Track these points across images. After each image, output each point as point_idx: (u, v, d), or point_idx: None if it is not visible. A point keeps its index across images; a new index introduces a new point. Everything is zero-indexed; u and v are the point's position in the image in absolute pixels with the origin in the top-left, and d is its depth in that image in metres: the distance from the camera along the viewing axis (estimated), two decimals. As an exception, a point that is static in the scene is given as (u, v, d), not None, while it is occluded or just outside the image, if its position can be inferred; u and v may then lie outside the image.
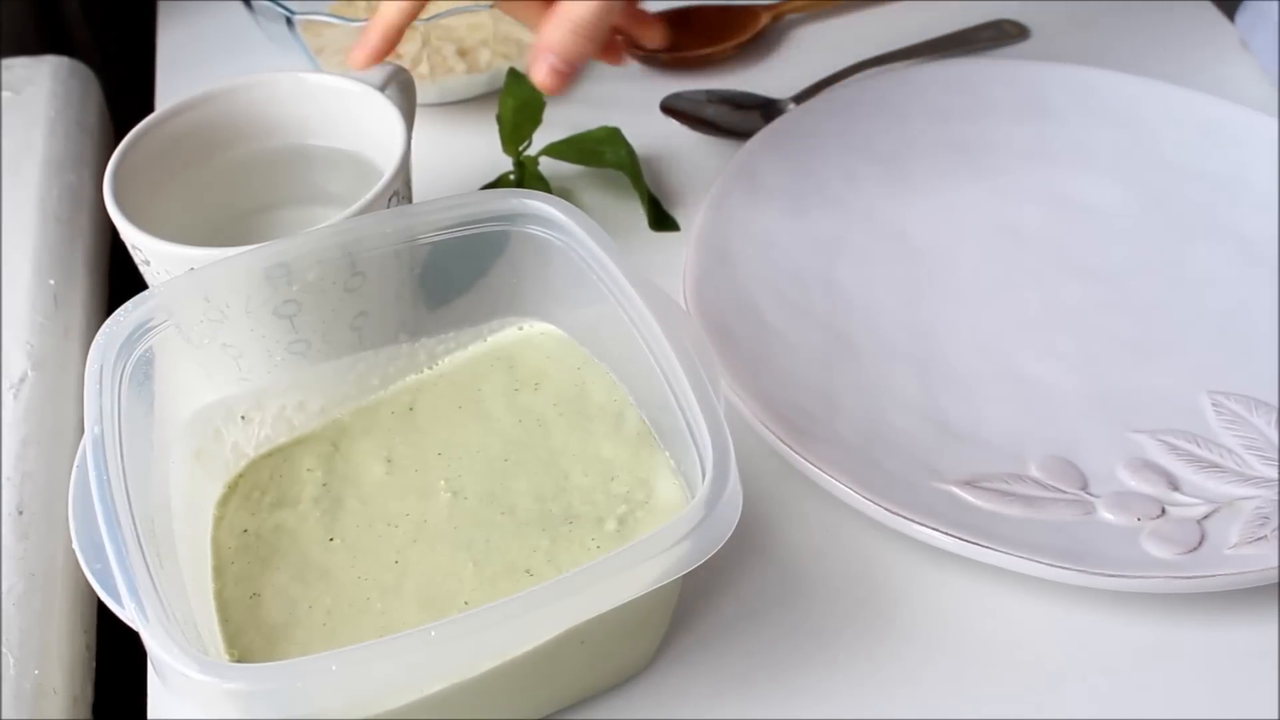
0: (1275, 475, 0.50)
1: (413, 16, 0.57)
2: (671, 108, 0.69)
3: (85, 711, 0.50)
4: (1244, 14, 0.73)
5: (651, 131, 0.68)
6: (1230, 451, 0.51)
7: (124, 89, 0.81)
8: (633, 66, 0.73)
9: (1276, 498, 0.49)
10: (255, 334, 0.46)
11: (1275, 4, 0.69)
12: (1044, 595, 0.47)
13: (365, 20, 0.64)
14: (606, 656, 0.43)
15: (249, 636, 0.41)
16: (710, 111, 0.69)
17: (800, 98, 0.70)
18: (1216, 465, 0.51)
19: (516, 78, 0.64)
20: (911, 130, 0.66)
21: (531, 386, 0.48)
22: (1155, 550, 0.47)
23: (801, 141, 0.65)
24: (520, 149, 0.64)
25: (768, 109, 0.69)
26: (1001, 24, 0.76)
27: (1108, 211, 0.62)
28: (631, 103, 0.71)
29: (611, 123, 0.65)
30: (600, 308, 0.46)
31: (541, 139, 0.64)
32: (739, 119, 0.68)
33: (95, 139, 0.73)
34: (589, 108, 0.70)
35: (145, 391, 0.43)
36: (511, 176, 0.64)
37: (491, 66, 0.68)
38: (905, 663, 0.46)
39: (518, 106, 0.63)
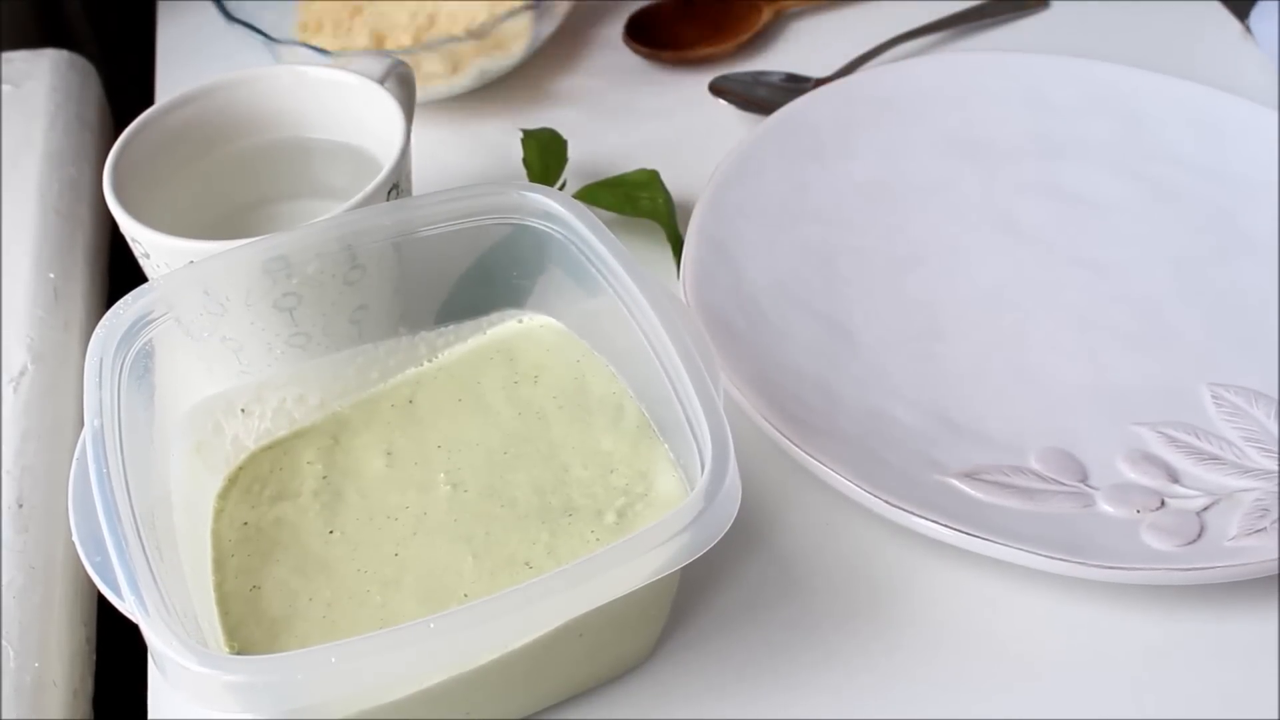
0: (1275, 467, 0.50)
1: None
2: (722, 89, 0.69)
3: (85, 705, 0.50)
4: (1259, 9, 0.73)
5: (657, 134, 0.69)
6: (1230, 443, 0.51)
7: (124, 83, 0.81)
8: (635, 66, 0.73)
9: (1276, 490, 0.49)
10: (255, 327, 0.46)
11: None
12: (1043, 587, 0.47)
13: (339, 53, 0.64)
14: (606, 649, 0.43)
15: (249, 629, 0.41)
16: (761, 92, 0.69)
17: (839, 74, 0.71)
18: (1216, 457, 0.51)
19: (527, 132, 0.63)
20: (911, 123, 0.66)
21: (531, 379, 0.49)
22: (1155, 542, 0.47)
23: (800, 134, 0.65)
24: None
25: (817, 88, 0.69)
26: None
27: (1107, 204, 0.62)
28: (636, 105, 0.71)
29: (619, 130, 0.65)
30: (600, 301, 0.46)
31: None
32: (789, 99, 0.67)
33: (95, 133, 0.73)
34: (600, 117, 0.70)
35: (145, 385, 0.43)
36: None
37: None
38: (905, 655, 0.46)
39: (541, 149, 0.63)
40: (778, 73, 0.71)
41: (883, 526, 0.49)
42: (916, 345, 0.56)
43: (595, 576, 0.37)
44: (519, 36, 0.69)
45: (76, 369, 0.59)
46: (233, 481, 0.46)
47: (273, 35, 0.66)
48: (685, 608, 0.47)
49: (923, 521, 0.47)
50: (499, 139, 0.64)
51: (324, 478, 0.46)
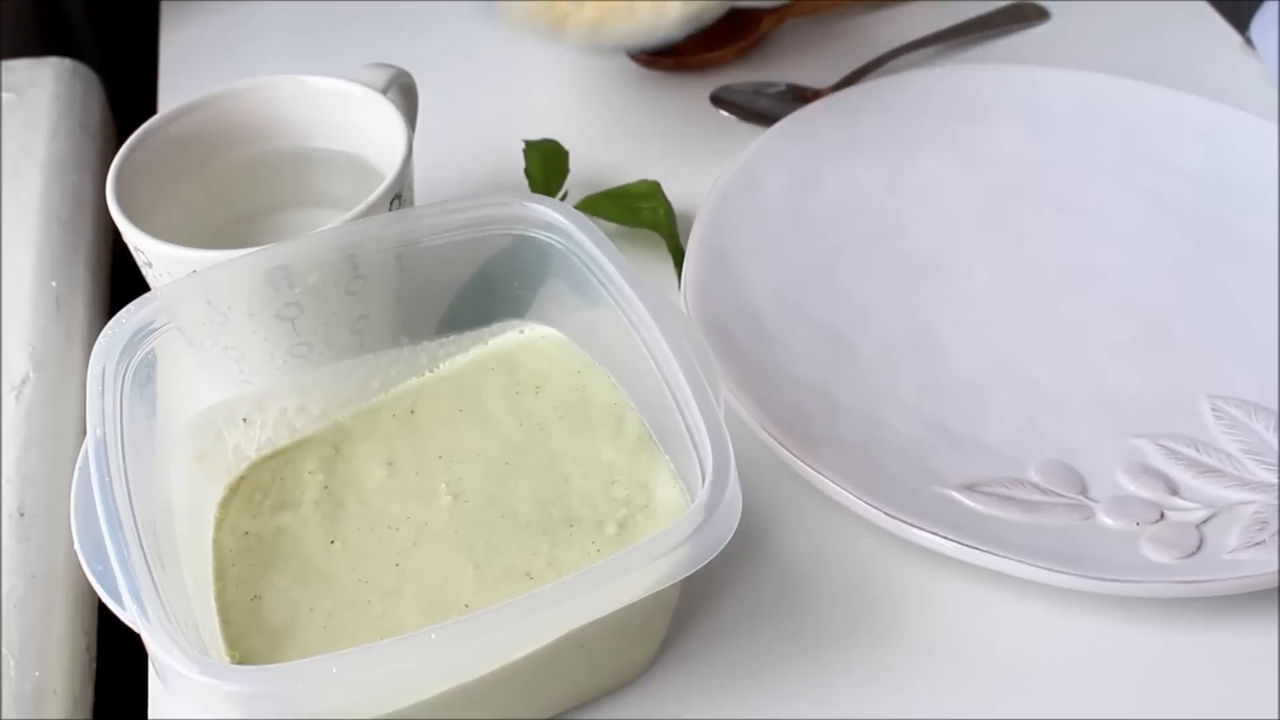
0: (1274, 480, 0.50)
1: None
2: (723, 100, 0.70)
3: (86, 713, 0.50)
4: (1258, 21, 0.73)
5: (659, 145, 0.69)
6: (1229, 456, 0.51)
7: (127, 91, 0.81)
8: (637, 77, 0.73)
9: (1275, 502, 0.49)
10: (257, 337, 0.46)
11: None
12: (1043, 600, 0.47)
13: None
14: (606, 660, 0.43)
15: (250, 639, 0.42)
16: (763, 103, 0.69)
17: (840, 85, 0.71)
18: (1215, 470, 0.51)
19: (529, 143, 0.64)
20: (912, 134, 0.66)
21: (532, 390, 0.49)
22: (1154, 555, 0.47)
23: (802, 145, 0.65)
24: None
25: (817, 99, 0.69)
26: (1021, 7, 0.76)
27: (1107, 215, 0.62)
28: (637, 117, 0.71)
29: (620, 141, 0.66)
30: (601, 311, 0.46)
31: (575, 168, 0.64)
32: (791, 110, 0.67)
33: (98, 141, 0.73)
34: (602, 128, 0.70)
35: (147, 394, 0.43)
36: None
37: None
38: (904, 667, 0.46)
39: (543, 160, 0.63)
40: (779, 83, 0.71)
41: (882, 537, 0.49)
42: (917, 356, 0.56)
43: (596, 588, 0.37)
44: None
45: (78, 377, 0.59)
46: (234, 491, 0.46)
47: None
48: (686, 618, 0.47)
49: (922, 533, 0.47)
50: (501, 150, 0.65)
51: (325, 487, 0.46)
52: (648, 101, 0.72)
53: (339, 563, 0.44)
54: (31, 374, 0.57)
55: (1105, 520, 0.49)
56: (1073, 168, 0.65)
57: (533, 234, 0.48)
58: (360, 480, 0.46)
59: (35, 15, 0.86)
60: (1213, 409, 0.53)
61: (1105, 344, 0.56)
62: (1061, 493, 0.50)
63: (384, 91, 0.56)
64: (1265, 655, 0.46)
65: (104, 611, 0.47)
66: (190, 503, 0.44)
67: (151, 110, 0.69)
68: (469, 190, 0.65)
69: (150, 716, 0.45)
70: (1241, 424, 0.52)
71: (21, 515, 0.52)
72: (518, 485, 0.46)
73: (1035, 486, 0.50)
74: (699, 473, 0.40)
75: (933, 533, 0.47)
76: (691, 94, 0.72)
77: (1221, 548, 0.47)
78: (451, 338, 0.50)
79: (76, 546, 0.40)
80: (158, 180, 0.53)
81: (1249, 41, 0.74)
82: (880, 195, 0.64)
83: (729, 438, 0.40)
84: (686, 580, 0.39)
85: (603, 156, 0.67)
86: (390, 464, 0.47)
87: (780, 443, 0.50)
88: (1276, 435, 0.52)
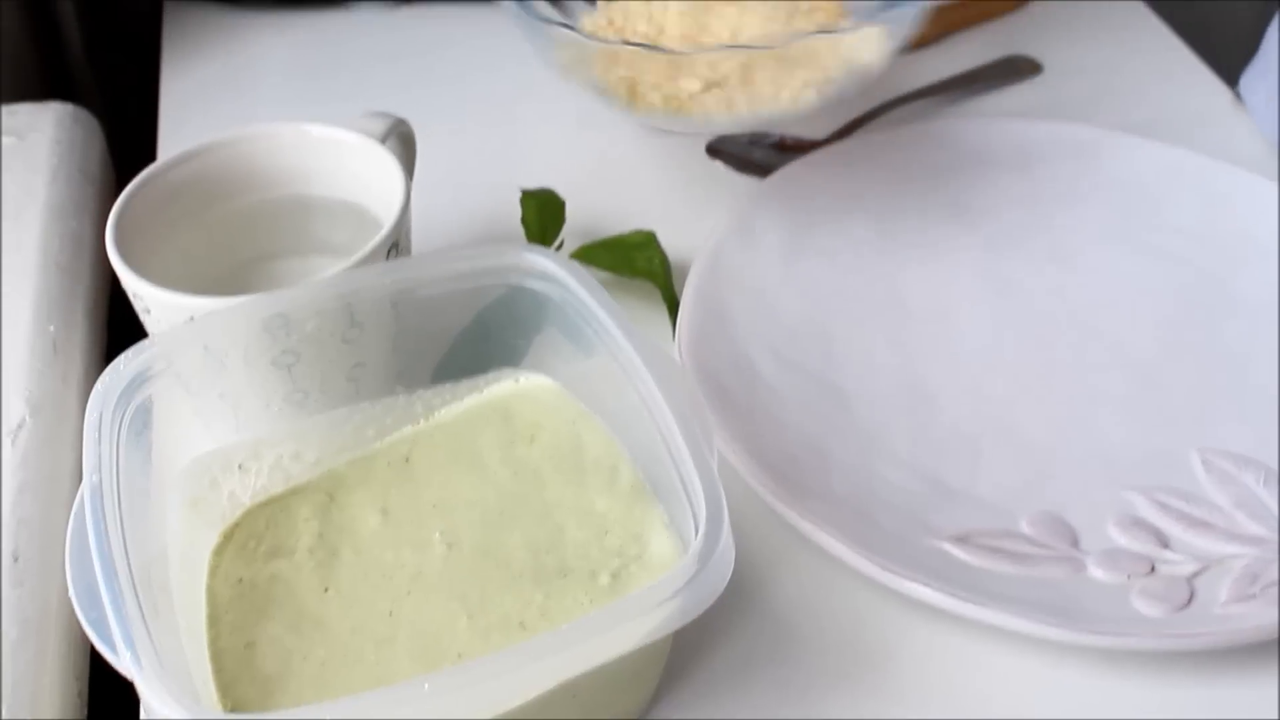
0: (1264, 533, 0.50)
1: None
2: (719, 151, 0.70)
3: (76, 760, 0.50)
4: (1248, 76, 0.74)
5: (655, 195, 0.69)
6: (1220, 509, 0.51)
7: (127, 136, 0.81)
8: (633, 127, 0.74)
9: (1266, 555, 0.49)
10: (253, 384, 0.46)
11: (1276, 69, 0.70)
12: (1035, 652, 0.47)
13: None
14: (599, 710, 0.43)
15: (243, 687, 0.41)
16: (758, 155, 0.69)
17: (835, 137, 0.71)
18: (1206, 523, 0.51)
19: (526, 192, 0.64)
20: (908, 187, 0.67)
21: (527, 439, 0.49)
22: (1145, 608, 0.47)
23: (797, 197, 0.65)
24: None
25: (813, 151, 0.69)
26: (1014, 61, 0.77)
27: (1099, 269, 0.63)
28: (633, 167, 0.72)
29: (616, 191, 0.66)
30: (596, 361, 0.46)
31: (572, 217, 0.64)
32: (786, 162, 0.67)
33: (98, 186, 0.73)
34: (598, 178, 0.71)
35: (144, 440, 0.43)
36: None
37: None
38: (896, 718, 0.46)
39: (540, 208, 0.63)
40: (773, 135, 0.71)
41: (875, 589, 0.49)
42: (910, 408, 0.56)
43: (589, 638, 0.37)
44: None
45: (74, 422, 0.59)
46: (228, 537, 0.46)
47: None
48: (678, 667, 0.47)
49: (914, 585, 0.47)
50: (498, 198, 0.65)
51: (319, 535, 0.46)
52: (644, 152, 0.73)
53: (332, 611, 0.44)
54: (28, 418, 0.57)
55: (1096, 573, 0.49)
56: (1065, 222, 0.65)
57: (528, 284, 0.48)
58: (354, 528, 0.46)
59: (36, 60, 0.86)
60: (1203, 462, 0.53)
61: (1097, 397, 0.56)
62: (1053, 545, 0.50)
63: (383, 140, 0.56)
64: (1257, 709, 0.46)
65: (96, 658, 0.47)
66: (184, 549, 0.44)
67: (151, 156, 0.69)
68: (466, 239, 0.66)
69: (141, 764, 0.45)
70: (1232, 477, 0.52)
71: (15, 560, 0.52)
72: (512, 535, 0.46)
73: (1027, 539, 0.50)
74: (692, 523, 0.40)
75: (925, 585, 0.47)
76: (689, 148, 0.72)
77: (1213, 601, 0.47)
78: (447, 386, 0.50)
79: (71, 593, 0.40)
80: (157, 226, 0.54)
81: (1238, 96, 0.75)
82: (874, 248, 0.64)
83: (722, 489, 0.40)
84: (679, 630, 0.39)
85: (599, 206, 0.68)
86: (385, 512, 0.47)
87: (773, 494, 0.50)
88: (1272, 489, 0.52)
